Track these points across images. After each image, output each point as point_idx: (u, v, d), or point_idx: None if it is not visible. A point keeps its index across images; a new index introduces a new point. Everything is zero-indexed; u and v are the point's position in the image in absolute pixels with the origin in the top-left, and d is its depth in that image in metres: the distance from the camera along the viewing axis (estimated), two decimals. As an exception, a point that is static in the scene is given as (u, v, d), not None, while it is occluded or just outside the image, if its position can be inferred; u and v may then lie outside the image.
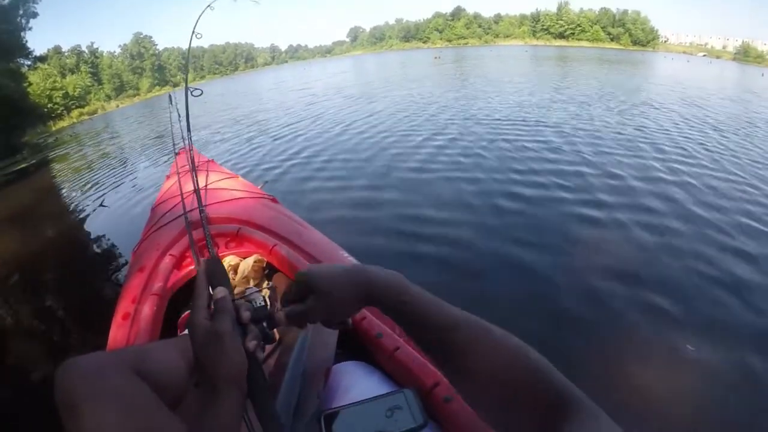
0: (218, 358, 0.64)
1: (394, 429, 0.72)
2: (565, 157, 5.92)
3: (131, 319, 1.77)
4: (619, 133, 7.17)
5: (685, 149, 6.50)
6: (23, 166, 14.74)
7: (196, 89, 3.27)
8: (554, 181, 5.05)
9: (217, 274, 0.77)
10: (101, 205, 6.86)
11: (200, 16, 3.69)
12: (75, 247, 5.54)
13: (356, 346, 1.43)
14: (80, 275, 4.52)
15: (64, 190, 9.42)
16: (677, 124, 8.58)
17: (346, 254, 2.02)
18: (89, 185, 8.75)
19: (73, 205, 7.58)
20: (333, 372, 1.17)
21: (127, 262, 4.07)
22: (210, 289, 0.73)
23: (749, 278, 3.20)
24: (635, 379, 2.38)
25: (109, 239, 5.23)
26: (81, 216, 6.60)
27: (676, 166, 5.60)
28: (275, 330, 1.54)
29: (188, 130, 3.43)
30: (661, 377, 2.40)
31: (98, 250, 5.12)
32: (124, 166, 10.01)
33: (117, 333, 1.71)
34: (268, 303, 1.70)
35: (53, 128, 37.34)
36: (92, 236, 5.58)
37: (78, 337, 3.32)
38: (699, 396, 2.29)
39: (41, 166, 14.43)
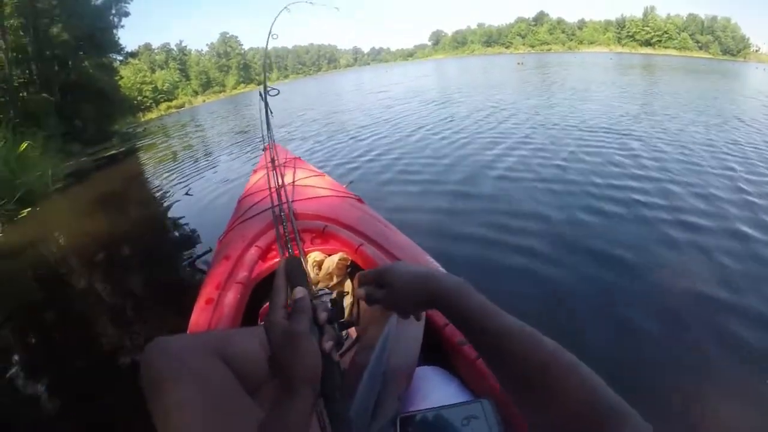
0: (294, 358, 0.65)
1: None
2: (650, 173, 5.56)
3: (214, 304, 1.80)
4: (711, 151, 6.67)
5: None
6: (113, 152, 15.46)
7: (273, 89, 3.33)
8: (636, 197, 4.72)
9: (296, 273, 0.78)
10: (187, 193, 7.09)
11: (276, 17, 3.81)
12: (160, 231, 5.76)
13: (437, 352, 1.44)
14: (163, 259, 4.68)
15: (150, 177, 9.86)
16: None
17: (430, 258, 2.00)
18: (175, 174, 9.08)
19: (159, 191, 7.90)
20: (414, 375, 1.18)
21: (210, 250, 4.21)
22: (289, 287, 0.74)
23: None
24: (705, 408, 2.18)
25: (193, 227, 5.38)
26: (166, 203, 6.86)
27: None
28: (354, 328, 1.47)
29: (269, 128, 3.50)
30: (733, 409, 2.18)
31: (183, 236, 5.28)
32: (209, 158, 10.33)
33: (199, 317, 1.75)
34: (338, 306, 1.66)
35: (142, 119, 39.39)
36: (177, 222, 5.76)
37: (160, 317, 3.40)
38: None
39: (130, 153, 15.15)
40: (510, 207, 4.69)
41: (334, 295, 2.03)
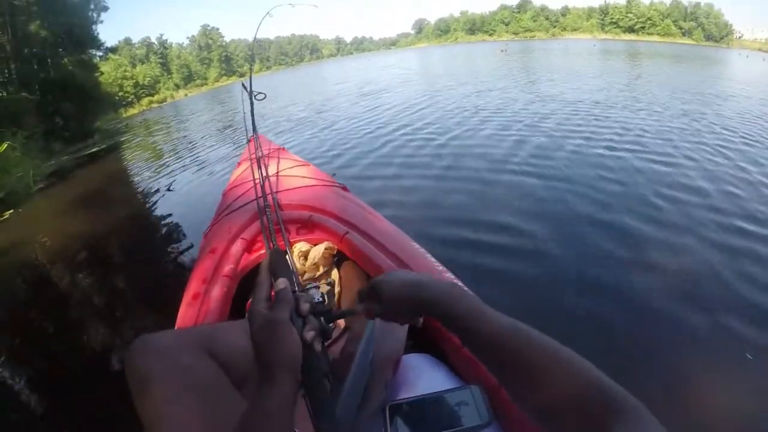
0: (274, 345, 0.66)
1: (459, 425, 0.74)
2: (631, 164, 5.60)
3: (201, 299, 1.79)
4: (699, 141, 6.68)
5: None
6: (94, 150, 15.28)
7: (260, 93, 3.33)
8: (618, 189, 4.77)
9: (280, 266, 0.78)
10: (169, 189, 7.06)
11: (260, 22, 3.84)
12: (143, 229, 5.71)
13: (425, 339, 1.45)
14: (148, 255, 4.65)
15: (133, 174, 9.78)
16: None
17: (416, 245, 1.99)
18: (158, 170, 9.03)
19: (142, 188, 7.85)
20: (401, 363, 1.18)
21: (195, 245, 4.16)
22: (272, 279, 0.75)
23: None
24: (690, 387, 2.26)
25: (178, 222, 5.35)
26: (150, 199, 6.82)
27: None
28: (342, 320, 1.43)
29: (252, 120, 3.47)
30: (715, 386, 2.26)
31: (167, 232, 5.24)
32: (193, 153, 10.22)
33: (186, 312, 1.74)
34: (326, 299, 1.64)
35: (124, 115, 38.96)
36: (162, 218, 5.73)
37: (146, 314, 3.39)
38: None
39: (111, 150, 14.98)
40: (492, 198, 4.74)
41: (324, 288, 2.02)
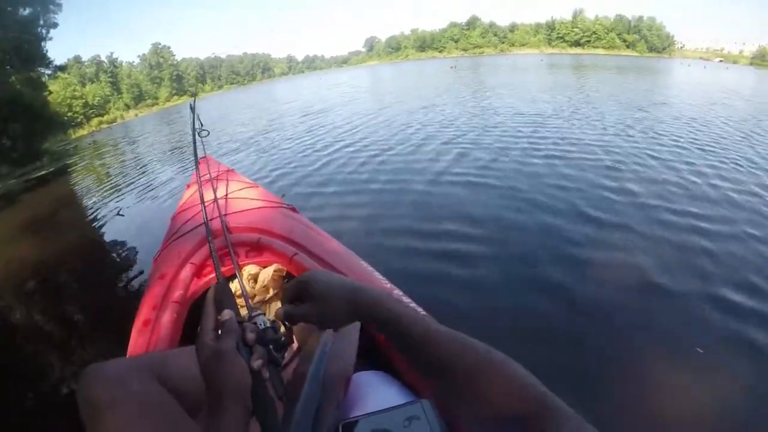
0: (221, 375, 0.68)
1: None
2: (576, 172, 5.87)
3: (152, 325, 1.78)
4: (633, 146, 7.07)
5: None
6: (43, 173, 14.89)
7: (204, 130, 3.36)
8: (557, 193, 5.03)
9: (225, 297, 0.84)
10: (119, 213, 6.92)
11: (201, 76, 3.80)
12: (93, 254, 5.57)
13: (376, 356, 1.42)
14: (99, 282, 4.54)
15: (82, 198, 9.52)
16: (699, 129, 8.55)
17: (364, 263, 2.00)
18: (108, 193, 8.85)
19: (91, 213, 7.62)
20: (352, 381, 1.13)
21: (145, 271, 4.13)
22: (217, 311, 0.78)
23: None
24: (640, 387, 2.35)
25: (127, 247, 5.26)
26: (99, 224, 6.67)
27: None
28: (294, 339, 1.49)
29: (194, 144, 3.48)
30: (670, 384, 2.36)
31: (117, 258, 5.15)
32: (143, 175, 10.03)
33: (137, 339, 1.72)
34: (276, 325, 1.69)
35: (73, 136, 37.99)
36: (111, 244, 5.64)
37: (97, 342, 3.35)
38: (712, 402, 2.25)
39: (60, 173, 14.55)
40: (443, 208, 4.88)
41: (271, 316, 2.03)
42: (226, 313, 0.76)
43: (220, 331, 0.74)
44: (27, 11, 23.04)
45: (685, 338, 2.65)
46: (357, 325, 1.14)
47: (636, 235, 3.94)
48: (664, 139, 7.57)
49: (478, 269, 3.52)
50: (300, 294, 0.84)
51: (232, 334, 0.73)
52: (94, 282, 4.60)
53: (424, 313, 0.85)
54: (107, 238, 5.97)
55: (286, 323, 0.88)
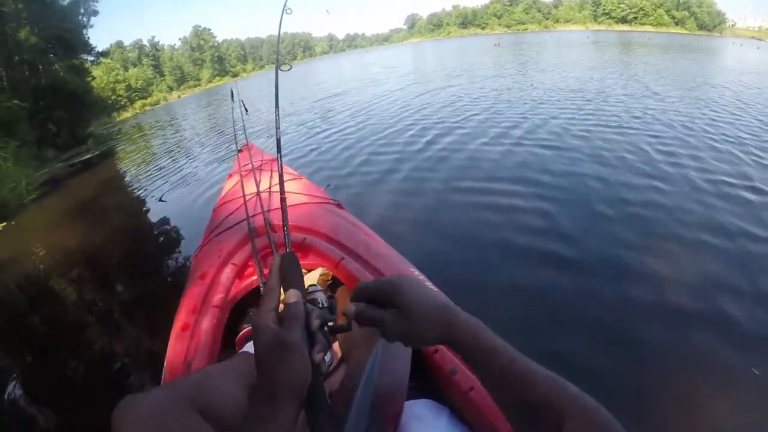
0: (284, 370, 0.58)
1: None
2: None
3: (191, 330, 1.71)
4: (691, 134, 6.56)
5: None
6: (88, 156, 15.20)
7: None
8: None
9: (292, 272, 0.69)
10: (161, 199, 6.95)
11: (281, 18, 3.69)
12: (135, 244, 5.55)
13: (426, 381, 1.34)
14: (139, 274, 4.53)
15: (125, 182, 9.71)
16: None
17: (416, 271, 1.88)
18: (150, 177, 8.93)
19: (133, 198, 7.77)
20: (403, 413, 1.06)
21: (186, 264, 4.10)
22: (282, 288, 0.67)
23: None
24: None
25: (168, 238, 5.25)
26: (142, 210, 6.77)
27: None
28: (337, 346, 1.31)
29: (243, 129, 3.36)
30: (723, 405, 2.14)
31: (158, 250, 5.11)
32: (185, 159, 10.07)
33: (176, 344, 1.66)
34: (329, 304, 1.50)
35: (117, 119, 38.81)
36: (152, 234, 5.65)
37: (136, 342, 3.29)
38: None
39: (104, 156, 14.89)
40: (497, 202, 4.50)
41: (325, 292, 1.90)
42: (293, 294, 0.64)
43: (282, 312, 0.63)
44: (67, 1, 23.60)
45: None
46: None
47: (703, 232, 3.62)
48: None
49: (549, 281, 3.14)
50: (382, 297, 0.72)
51: (299, 321, 0.62)
52: (134, 274, 4.59)
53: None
54: (148, 226, 5.99)
55: (352, 321, 0.73)
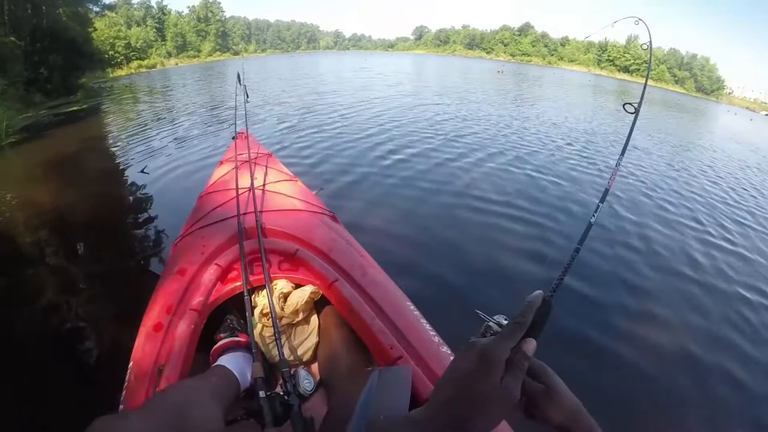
0: (490, 416, 0.53)
1: None
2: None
3: (164, 332, 1.58)
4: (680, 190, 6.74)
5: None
6: (75, 108, 14.69)
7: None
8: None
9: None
10: (143, 171, 6.70)
11: None
12: (110, 213, 5.24)
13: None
14: (110, 250, 4.28)
15: (108, 143, 9.39)
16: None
17: (411, 306, 1.78)
18: (136, 143, 8.69)
19: (115, 162, 7.51)
20: None
21: (162, 249, 3.94)
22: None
23: None
24: None
25: (147, 215, 5.00)
26: (121, 178, 6.54)
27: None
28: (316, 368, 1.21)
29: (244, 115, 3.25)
30: None
31: (134, 225, 4.85)
32: (175, 131, 9.81)
33: (146, 344, 1.53)
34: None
35: (111, 75, 37.98)
36: (129, 205, 5.47)
37: (97, 328, 3.05)
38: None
39: (92, 112, 14.42)
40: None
41: (296, 342, 1.87)
42: (533, 347, 0.61)
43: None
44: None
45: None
46: (409, 370, 1.00)
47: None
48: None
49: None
50: (530, 372, 0.63)
51: (522, 377, 0.58)
52: (105, 248, 4.33)
53: None
54: (126, 198, 5.78)
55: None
